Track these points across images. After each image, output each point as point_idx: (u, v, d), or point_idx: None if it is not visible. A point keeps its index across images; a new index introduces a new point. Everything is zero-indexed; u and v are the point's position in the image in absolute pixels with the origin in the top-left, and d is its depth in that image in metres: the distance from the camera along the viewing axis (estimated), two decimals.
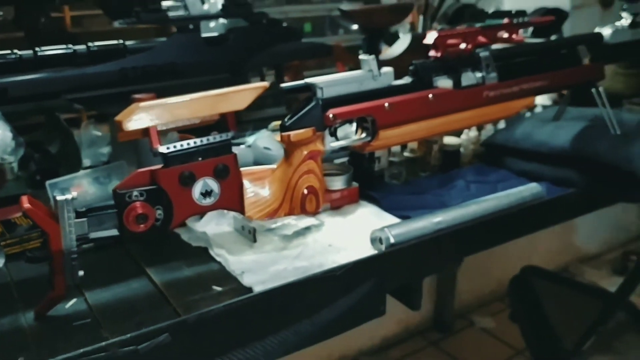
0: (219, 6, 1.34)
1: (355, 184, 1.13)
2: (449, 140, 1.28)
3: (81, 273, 0.76)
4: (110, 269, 0.90)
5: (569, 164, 1.14)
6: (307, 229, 1.02)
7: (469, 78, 1.02)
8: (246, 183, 0.87)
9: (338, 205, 1.10)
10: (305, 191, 0.89)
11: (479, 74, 1.03)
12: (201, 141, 0.83)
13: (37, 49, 0.94)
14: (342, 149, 0.98)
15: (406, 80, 0.98)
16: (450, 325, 2.70)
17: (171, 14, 1.18)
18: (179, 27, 1.05)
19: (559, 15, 1.82)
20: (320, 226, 1.03)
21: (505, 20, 1.05)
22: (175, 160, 0.81)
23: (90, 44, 0.98)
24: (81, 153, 1.12)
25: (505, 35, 1.06)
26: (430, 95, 0.97)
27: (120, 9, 1.06)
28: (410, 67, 0.99)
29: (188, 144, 0.82)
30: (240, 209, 0.86)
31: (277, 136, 0.89)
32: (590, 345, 1.60)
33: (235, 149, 1.13)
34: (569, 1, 2.58)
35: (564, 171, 1.15)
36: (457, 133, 1.31)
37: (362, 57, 0.94)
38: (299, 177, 0.88)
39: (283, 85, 0.90)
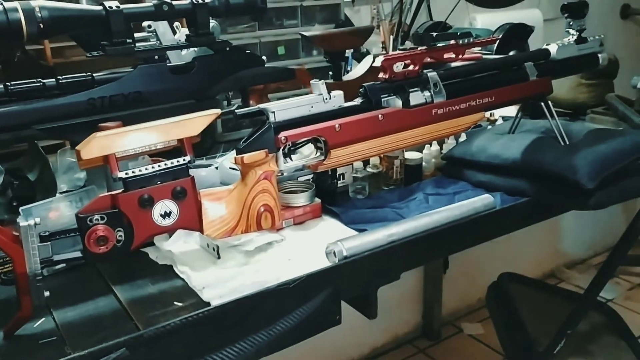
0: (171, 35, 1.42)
1: (317, 200, 1.19)
2: (410, 154, 1.34)
3: (47, 294, 0.82)
4: (80, 288, 0.95)
5: (520, 174, 1.20)
6: (269, 244, 1.08)
7: (418, 97, 1.08)
8: (205, 203, 0.93)
9: (301, 220, 1.16)
10: (261, 209, 0.94)
11: (427, 93, 1.09)
12: (159, 166, 0.89)
13: (8, 83, 1.00)
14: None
15: (357, 101, 1.04)
16: (439, 332, 2.74)
17: (141, 44, 1.25)
18: (145, 57, 1.11)
19: (524, 30, 1.89)
20: (282, 241, 1.09)
21: (452, 42, 1.12)
22: (134, 184, 0.86)
23: (60, 77, 1.05)
24: (57, 179, 1.18)
25: (452, 55, 1.12)
26: (379, 116, 1.03)
27: (94, 41, 1.13)
28: (360, 90, 1.05)
29: (146, 169, 0.88)
30: (199, 228, 0.92)
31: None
32: (563, 348, 1.64)
33: (202, 171, 1.20)
34: (541, 15, 2.67)
35: (516, 182, 1.20)
36: (419, 147, 1.36)
37: (312, 82, 1.00)
38: (254, 196, 0.94)
39: (237, 110, 0.96)
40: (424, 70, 1.10)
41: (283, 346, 0.91)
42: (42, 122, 1.03)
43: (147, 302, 0.90)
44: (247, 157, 0.92)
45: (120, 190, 0.86)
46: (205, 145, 1.39)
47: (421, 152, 1.36)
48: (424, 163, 1.37)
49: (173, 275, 0.98)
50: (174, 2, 1.13)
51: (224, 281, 0.95)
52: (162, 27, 1.36)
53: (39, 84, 1.03)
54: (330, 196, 1.23)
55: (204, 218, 0.92)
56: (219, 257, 1.03)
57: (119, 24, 1.06)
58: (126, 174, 0.86)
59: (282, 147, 0.97)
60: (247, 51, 1.24)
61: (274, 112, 0.96)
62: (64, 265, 0.94)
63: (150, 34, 1.36)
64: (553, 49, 1.23)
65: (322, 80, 0.99)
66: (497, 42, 1.79)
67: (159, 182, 0.88)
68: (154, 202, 0.88)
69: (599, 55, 1.29)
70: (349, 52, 1.52)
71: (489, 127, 1.52)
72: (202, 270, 0.99)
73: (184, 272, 0.97)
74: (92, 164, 0.87)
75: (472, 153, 1.29)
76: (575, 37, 1.26)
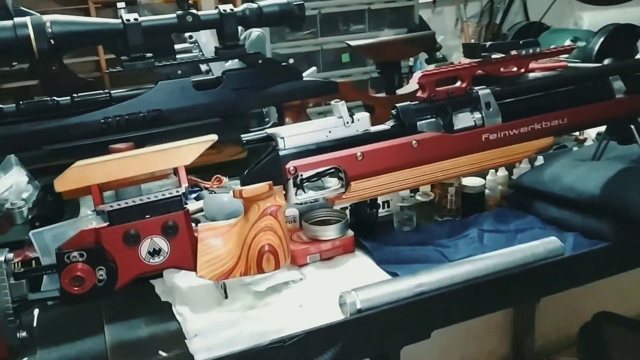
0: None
1: (350, 233, 1.05)
2: (470, 181, 1.16)
3: (23, 334, 0.76)
4: (75, 324, 0.89)
5: (600, 213, 0.98)
6: (285, 284, 0.96)
7: (466, 120, 0.91)
8: (202, 239, 0.83)
9: (329, 256, 1.03)
10: (263, 249, 0.82)
11: (477, 115, 0.91)
12: (148, 198, 0.80)
13: (21, 102, 0.96)
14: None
15: (387, 125, 0.89)
16: None
17: (183, 55, 1.18)
18: (168, 73, 1.03)
19: (633, 32, 1.62)
20: (300, 281, 0.96)
21: (514, 53, 0.93)
22: (119, 218, 0.78)
23: (75, 94, 0.99)
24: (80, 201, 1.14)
25: (514, 69, 0.93)
26: (413, 142, 0.87)
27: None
28: (392, 111, 0.90)
29: (134, 201, 0.79)
30: (193, 268, 0.82)
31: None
32: None
33: (224, 196, 1.11)
34: None
35: (595, 222, 0.99)
36: (482, 173, 1.18)
37: (332, 102, 0.86)
38: (256, 234, 0.82)
39: (244, 136, 0.85)
40: (475, 87, 0.92)
41: None
42: (53, 143, 0.97)
43: (132, 347, 0.82)
44: (247, 190, 0.81)
45: (105, 224, 0.78)
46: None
47: (484, 178, 1.17)
48: (487, 191, 1.18)
49: (170, 316, 0.89)
50: (200, 13, 1.04)
51: (221, 328, 0.85)
52: (204, 37, 1.29)
53: (52, 102, 0.98)
54: (369, 228, 1.09)
55: (200, 256, 0.82)
56: (226, 297, 0.92)
57: (137, 38, 0.99)
58: (111, 206, 0.78)
59: (291, 179, 0.84)
60: (284, 63, 1.13)
61: (283, 138, 0.83)
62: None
63: (193, 45, 1.29)
64: None
65: (342, 101, 0.85)
66: (598, 46, 1.54)
67: (148, 216, 0.80)
68: (141, 239, 0.79)
69: None
70: (412, 60, 1.35)
71: (575, 148, 1.29)
72: (203, 312, 0.89)
73: (182, 314, 0.88)
74: (77, 194, 0.80)
75: (545, 182, 1.09)
76: None
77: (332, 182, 0.89)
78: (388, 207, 1.15)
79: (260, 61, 1.10)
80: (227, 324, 0.86)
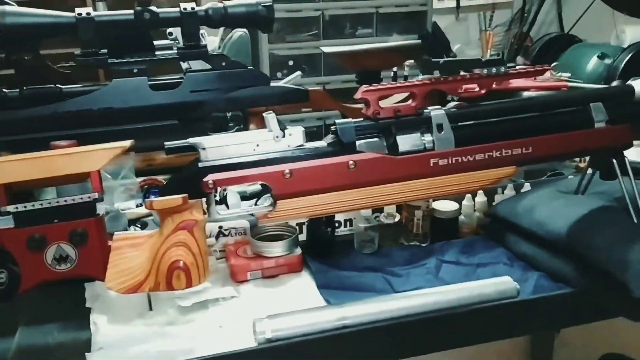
0: (216, 44, 1.29)
1: (297, 251, 0.99)
2: (442, 205, 1.07)
3: None
4: None
5: (566, 255, 0.88)
6: (215, 300, 0.91)
7: (414, 142, 0.83)
8: (117, 249, 0.79)
9: (271, 274, 0.97)
10: (173, 266, 0.78)
11: (428, 137, 0.83)
12: (57, 202, 0.77)
13: None
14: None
15: (323, 142, 0.82)
16: None
17: (162, 52, 1.15)
18: (122, 71, 1.00)
19: None
20: (231, 299, 0.91)
21: (477, 71, 0.84)
22: (25, 221, 0.76)
23: (26, 87, 0.98)
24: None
25: (476, 88, 0.84)
26: (350, 162, 0.80)
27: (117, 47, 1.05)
28: (331, 127, 0.83)
29: (41, 204, 0.76)
30: (103, 278, 0.78)
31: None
32: None
33: None
34: None
35: (561, 263, 0.89)
36: (457, 198, 1.09)
37: (265, 114, 0.80)
38: (167, 248, 0.77)
39: (167, 144, 0.80)
40: (429, 107, 0.84)
41: None
42: (3, 134, 0.96)
43: (35, 354, 0.79)
44: (157, 202, 0.76)
45: (10, 226, 0.76)
46: None
47: (459, 203, 1.08)
48: (462, 217, 1.09)
49: (87, 324, 0.85)
50: (159, 10, 1.00)
51: (131, 344, 0.81)
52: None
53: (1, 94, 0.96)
54: (324, 247, 1.02)
55: (110, 267, 0.78)
56: (150, 309, 0.88)
57: (89, 33, 0.96)
58: (16, 207, 0.76)
59: (211, 193, 0.79)
60: (250, 67, 1.07)
61: (205, 149, 0.78)
62: None
63: (173, 42, 1.26)
64: (639, 86, 0.88)
65: (272, 114, 0.79)
66: (623, 64, 1.41)
67: (56, 221, 0.77)
68: (46, 244, 0.76)
69: None
70: (407, 69, 1.27)
71: (570, 176, 1.17)
72: (119, 324, 0.85)
73: (96, 324, 0.85)
74: None
75: (517, 214, 0.99)
76: None
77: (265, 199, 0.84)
78: (351, 226, 1.08)
79: (224, 63, 1.05)
80: (139, 339, 0.81)
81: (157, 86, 1.03)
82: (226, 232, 1.02)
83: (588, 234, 0.84)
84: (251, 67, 1.08)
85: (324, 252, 1.02)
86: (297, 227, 1.02)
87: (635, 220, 0.85)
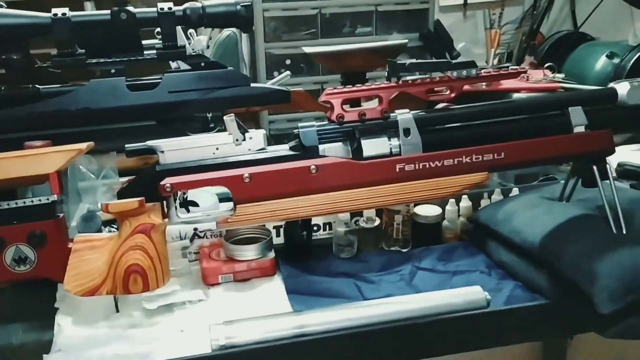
0: (204, 44, 1.28)
1: (270, 255, 0.97)
2: (424, 209, 1.04)
3: None
4: None
5: (539, 264, 0.84)
6: (182, 304, 0.90)
7: (380, 146, 0.80)
8: (77, 251, 0.79)
9: (243, 278, 0.96)
10: (130, 269, 0.77)
11: (395, 142, 0.80)
12: (16, 203, 0.77)
13: None
14: None
15: (285, 146, 0.81)
16: None
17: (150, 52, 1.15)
18: (101, 71, 1.00)
19: None
20: (198, 302, 0.90)
21: (443, 75, 0.80)
22: None
23: (3, 87, 0.99)
24: None
25: (446, 92, 0.82)
26: (312, 167, 0.78)
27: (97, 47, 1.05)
28: (295, 131, 0.81)
29: (0, 205, 0.77)
30: (62, 280, 0.78)
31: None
32: None
33: None
34: None
35: (536, 274, 0.85)
36: (441, 202, 1.06)
37: (225, 117, 0.79)
38: (124, 252, 0.77)
39: (127, 146, 0.80)
40: (397, 111, 0.81)
41: None
42: None
43: None
44: (113, 205, 0.76)
45: None
46: None
47: (443, 208, 1.05)
48: (445, 222, 1.06)
49: (53, 324, 0.86)
50: (136, 10, 0.99)
51: (90, 347, 0.81)
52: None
53: None
54: (299, 251, 1.01)
55: (69, 269, 0.78)
56: (117, 311, 0.88)
57: (64, 33, 0.96)
58: None
59: (169, 197, 0.78)
60: (230, 68, 1.06)
61: (163, 152, 0.78)
62: None
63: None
64: (623, 89, 0.83)
65: (234, 116, 0.78)
66: (631, 63, 1.36)
67: (15, 222, 0.77)
68: (5, 245, 0.76)
69: None
70: None
71: (562, 181, 1.13)
72: (83, 326, 0.85)
73: (60, 325, 0.85)
74: None
75: (497, 221, 0.96)
76: None
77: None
78: (330, 229, 1.06)
79: (203, 64, 1.04)
80: (99, 342, 0.81)
81: (136, 86, 1.03)
82: (201, 234, 1.02)
83: (560, 243, 0.81)
84: (231, 68, 1.06)
85: (300, 256, 1.01)
86: (271, 231, 1.00)
87: (615, 230, 0.81)
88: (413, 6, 1.52)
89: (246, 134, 0.79)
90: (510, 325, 0.81)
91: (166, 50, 1.02)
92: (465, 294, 0.82)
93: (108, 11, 0.98)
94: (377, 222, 1.05)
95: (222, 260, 0.97)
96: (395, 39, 1.45)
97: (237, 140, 0.78)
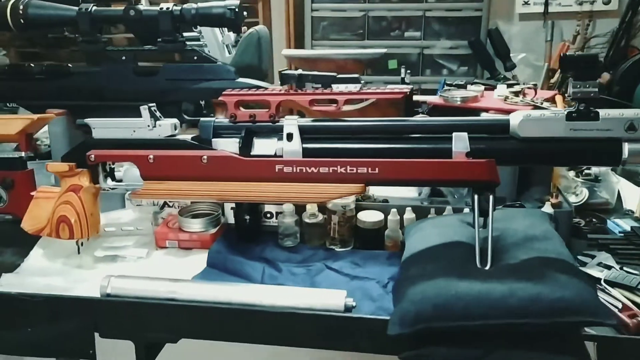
0: (232, 39, 1.44)
1: (212, 231, 1.10)
2: (367, 215, 1.08)
3: None
4: None
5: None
6: (124, 257, 1.07)
7: (268, 147, 0.88)
8: (37, 198, 1.01)
9: (186, 246, 1.10)
10: (60, 219, 0.96)
11: (280, 145, 0.88)
12: None
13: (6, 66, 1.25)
14: None
15: (187, 136, 0.93)
16: None
17: (191, 43, 1.34)
18: (114, 58, 1.20)
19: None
20: (138, 260, 1.06)
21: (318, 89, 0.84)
22: None
23: (44, 63, 1.25)
24: None
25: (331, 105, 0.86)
26: (204, 157, 0.89)
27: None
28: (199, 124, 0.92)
29: None
30: (22, 218, 1.01)
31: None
32: None
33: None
34: None
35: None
36: (384, 208, 1.08)
37: (141, 107, 0.94)
38: (58, 205, 0.96)
39: (78, 120, 0.98)
40: (287, 117, 0.88)
41: (28, 354, 0.94)
42: (25, 99, 1.25)
43: None
44: (50, 165, 0.95)
45: None
46: None
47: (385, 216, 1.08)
48: (388, 231, 1.08)
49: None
50: (143, 8, 1.18)
51: (37, 274, 1.01)
52: (209, 30, 1.41)
53: (28, 67, 1.24)
54: (243, 233, 1.12)
55: (28, 211, 1.00)
56: (78, 252, 1.09)
57: (86, 24, 1.18)
58: None
59: (93, 165, 0.95)
60: (219, 63, 1.19)
61: (95, 129, 0.95)
62: None
63: (199, 34, 1.43)
64: (515, 119, 0.80)
65: (148, 106, 0.92)
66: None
67: None
68: None
69: (626, 146, 0.77)
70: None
71: (548, 209, 1.06)
72: (46, 258, 1.06)
73: (31, 254, 1.07)
74: None
75: (409, 236, 0.97)
76: (572, 108, 0.78)
77: None
78: (276, 218, 1.14)
79: (195, 57, 1.19)
80: (46, 272, 1.02)
81: (141, 72, 1.21)
82: (171, 204, 1.18)
83: (414, 264, 0.81)
84: (220, 63, 1.20)
85: (244, 237, 1.12)
86: (220, 209, 1.13)
87: (479, 264, 0.79)
88: (465, 13, 1.49)
89: (157, 122, 0.93)
90: (365, 333, 0.84)
91: (164, 43, 1.19)
92: (327, 297, 0.87)
93: (121, 8, 1.18)
94: (320, 217, 1.11)
95: (173, 228, 1.12)
96: (442, 45, 1.45)
97: (148, 126, 0.92)
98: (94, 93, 1.22)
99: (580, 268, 0.97)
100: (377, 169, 0.83)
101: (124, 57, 1.21)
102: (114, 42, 1.78)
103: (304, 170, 0.86)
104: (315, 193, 0.86)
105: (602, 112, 0.77)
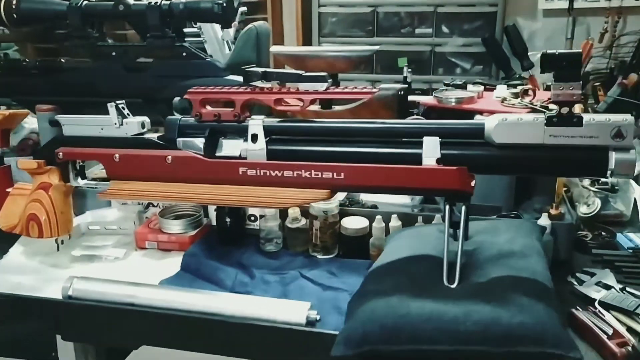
0: (232, 35, 1.40)
1: (190, 233, 1.07)
2: (351, 222, 1.02)
3: None
4: None
5: None
6: (100, 257, 1.05)
7: (233, 148, 0.84)
8: (12, 195, 1.00)
9: (165, 248, 1.07)
10: (29, 217, 0.95)
11: (245, 146, 0.83)
12: None
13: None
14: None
15: (154, 135, 0.89)
16: None
17: (190, 39, 1.31)
18: (104, 53, 1.18)
19: None
20: (114, 260, 1.04)
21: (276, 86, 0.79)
22: None
23: (38, 59, 1.24)
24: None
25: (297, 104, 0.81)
26: (168, 157, 0.86)
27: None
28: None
29: None
30: None
31: None
32: None
33: None
34: None
35: None
36: (369, 214, 1.02)
37: (108, 105, 0.91)
38: (29, 202, 0.95)
39: (50, 117, 0.96)
40: (253, 117, 0.84)
41: None
42: (19, 95, 1.25)
43: None
44: (20, 162, 0.94)
45: None
46: None
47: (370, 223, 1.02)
48: (372, 239, 1.02)
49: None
50: (131, 3, 1.15)
51: (12, 271, 1.00)
52: (208, 26, 1.38)
53: (21, 63, 1.24)
54: (223, 235, 1.08)
55: (3, 208, 0.99)
56: (58, 249, 1.07)
57: (76, 19, 1.16)
58: None
59: (63, 162, 0.93)
60: (208, 59, 1.16)
61: (64, 126, 0.93)
62: None
63: (199, 30, 1.40)
64: (491, 123, 0.72)
65: (115, 103, 0.89)
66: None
67: None
68: None
69: (612, 155, 0.68)
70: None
71: (544, 222, 0.98)
72: (25, 255, 1.06)
73: (15, 247, 1.06)
74: None
75: (389, 245, 0.91)
76: (552, 113, 0.70)
77: None
78: (257, 219, 1.10)
79: (184, 54, 1.16)
80: (21, 269, 1.01)
81: (131, 68, 1.19)
82: (155, 204, 1.15)
83: (372, 278, 0.75)
84: (209, 60, 1.16)
85: (225, 240, 1.08)
86: (201, 211, 1.09)
87: (445, 281, 0.73)
88: (479, 9, 1.40)
89: (124, 120, 0.90)
90: (316, 347, 0.78)
91: (153, 38, 1.16)
92: (288, 308, 0.82)
93: (111, 2, 1.16)
94: (303, 222, 1.06)
95: (154, 229, 1.09)
96: (455, 42, 1.38)
97: (115, 124, 0.89)
98: (86, 89, 1.21)
99: (576, 287, 0.89)
100: (342, 174, 0.78)
101: (114, 53, 1.19)
102: (128, 38, 1.77)
103: (268, 174, 0.81)
104: (278, 198, 0.82)
105: (587, 117, 0.69)
